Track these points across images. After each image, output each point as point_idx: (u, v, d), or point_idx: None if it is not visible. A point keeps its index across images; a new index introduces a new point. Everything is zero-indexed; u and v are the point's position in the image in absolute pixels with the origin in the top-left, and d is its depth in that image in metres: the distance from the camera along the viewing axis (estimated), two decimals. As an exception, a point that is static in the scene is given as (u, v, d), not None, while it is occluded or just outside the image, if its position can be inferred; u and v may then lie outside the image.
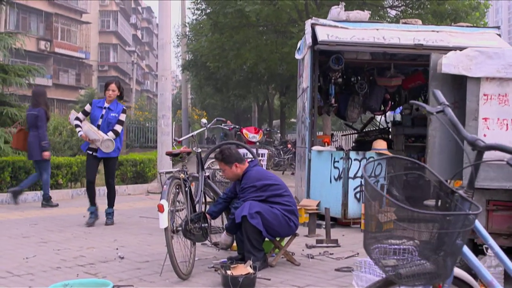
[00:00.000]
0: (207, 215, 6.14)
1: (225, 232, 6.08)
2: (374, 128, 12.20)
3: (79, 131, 8.50)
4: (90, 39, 50.75)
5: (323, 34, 8.75)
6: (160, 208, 5.20)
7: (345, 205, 8.76)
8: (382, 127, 12.02)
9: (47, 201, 10.75)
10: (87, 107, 8.69)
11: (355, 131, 12.62)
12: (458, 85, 6.71)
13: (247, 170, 6.11)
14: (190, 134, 6.90)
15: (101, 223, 8.86)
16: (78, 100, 40.76)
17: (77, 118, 8.54)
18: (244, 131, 8.93)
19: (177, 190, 5.71)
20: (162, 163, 13.35)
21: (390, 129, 11.77)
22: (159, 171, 5.89)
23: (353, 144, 11.91)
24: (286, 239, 6.30)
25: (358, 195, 8.81)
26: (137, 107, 42.66)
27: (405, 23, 9.82)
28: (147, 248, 6.98)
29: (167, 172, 5.78)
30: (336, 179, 8.84)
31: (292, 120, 39.86)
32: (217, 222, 7.27)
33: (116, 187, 13.05)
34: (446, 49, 8.75)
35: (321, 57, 9.53)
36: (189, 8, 28.11)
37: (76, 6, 47.56)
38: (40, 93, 11.14)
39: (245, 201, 5.87)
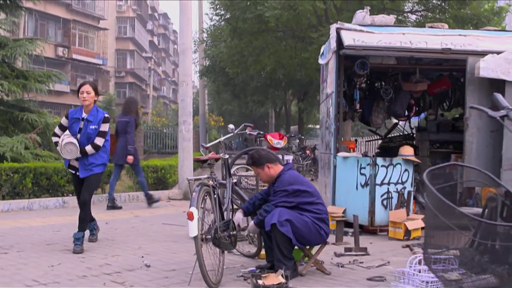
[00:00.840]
0: (240, 210, 6.08)
1: (253, 222, 5.96)
2: (398, 134, 12.03)
3: (58, 148, 7.25)
4: (107, 45, 50.92)
5: (349, 39, 8.61)
6: (190, 216, 5.08)
7: (371, 212, 8.59)
8: (406, 133, 11.85)
9: (150, 200, 11.86)
10: (64, 121, 7.37)
11: (379, 137, 12.45)
12: (496, 89, 6.55)
13: (281, 173, 5.98)
14: (218, 140, 6.79)
15: (124, 231, 8.78)
16: (96, 106, 40.71)
17: (55, 134, 7.35)
18: (269, 137, 8.79)
19: (205, 197, 5.58)
20: (183, 169, 13.26)
21: (415, 135, 11.60)
22: (187, 178, 5.76)
23: (377, 150, 11.75)
24: (316, 247, 6.17)
25: (385, 202, 8.66)
26: (154, 113, 42.69)
27: (431, 27, 9.67)
28: (173, 256, 6.88)
29: (196, 179, 5.66)
30: (362, 186, 8.68)
31: (309, 126, 39.70)
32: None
33: (137, 193, 13.13)
34: (475, 54, 8.61)
35: (345, 62, 9.39)
36: (206, 14, 28.16)
37: (93, 12, 47.76)
38: (132, 101, 11.97)
39: (276, 206, 5.75)
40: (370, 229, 8.65)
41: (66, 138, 7.10)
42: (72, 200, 11.48)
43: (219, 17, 22.96)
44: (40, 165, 11.69)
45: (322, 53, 10.66)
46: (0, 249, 7.14)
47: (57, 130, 7.38)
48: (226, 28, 21.99)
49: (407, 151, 9.05)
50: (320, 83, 11.41)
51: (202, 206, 5.46)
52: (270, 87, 28.18)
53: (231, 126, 7.08)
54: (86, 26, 46.19)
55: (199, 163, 6.18)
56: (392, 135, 12.42)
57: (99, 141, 7.19)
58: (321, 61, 10.57)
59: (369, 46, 8.58)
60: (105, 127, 7.24)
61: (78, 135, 7.15)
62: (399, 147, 11.13)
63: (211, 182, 5.71)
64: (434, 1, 19.53)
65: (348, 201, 8.74)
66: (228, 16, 20.03)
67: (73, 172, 7.37)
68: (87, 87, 7.19)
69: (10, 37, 16.68)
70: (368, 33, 8.99)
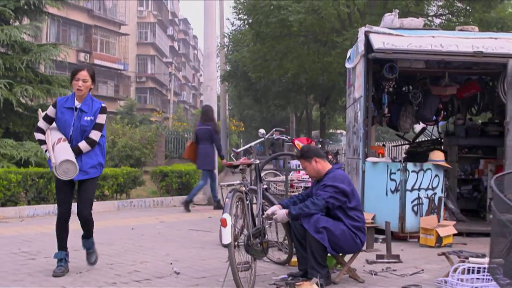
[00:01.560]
0: (279, 205, 5.95)
1: (285, 211, 5.78)
2: (426, 139, 11.85)
3: (44, 150, 6.07)
4: (128, 50, 51.12)
5: (378, 42, 8.48)
6: (223, 223, 4.98)
7: (402, 218, 8.44)
8: (434, 137, 11.67)
9: (218, 203, 12.24)
10: (50, 110, 6.02)
11: (407, 142, 12.28)
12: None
13: (330, 170, 5.87)
14: (249, 145, 6.70)
15: (151, 236, 8.70)
16: (118, 111, 40.92)
17: (39, 129, 6.07)
18: (296, 142, 8.70)
19: (237, 204, 5.48)
20: (207, 174, 13.16)
21: (443, 140, 11.41)
22: (220, 184, 5.67)
23: (404, 155, 11.58)
24: (348, 254, 6.05)
25: (415, 208, 8.51)
26: (176, 117, 42.74)
27: (461, 30, 9.53)
28: (202, 263, 6.78)
29: (228, 185, 5.56)
30: (392, 192, 8.53)
31: (331, 131, 39.50)
32: (272, 236, 7.05)
33: (162, 198, 13.09)
34: (507, 57, 8.46)
35: (373, 65, 9.26)
36: (227, 19, 28.12)
37: (115, 18, 47.97)
38: (210, 110, 12.60)
39: (326, 201, 5.60)
40: (400, 236, 8.49)
41: (61, 151, 5.75)
42: (97, 205, 11.42)
43: (242, 21, 22.88)
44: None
45: (349, 57, 10.53)
46: (27, 255, 7.10)
47: (41, 123, 6.04)
48: (248, 32, 21.89)
49: (437, 156, 8.90)
50: (347, 88, 11.29)
51: (235, 212, 5.37)
52: (292, 92, 28.04)
53: (261, 130, 7.00)
54: (107, 32, 46.39)
55: (230, 168, 6.03)
56: (420, 140, 12.23)
57: (95, 135, 5.98)
58: (348, 65, 10.44)
59: (399, 49, 8.45)
60: (102, 119, 6.03)
61: (71, 129, 5.92)
62: (426, 152, 11.02)
63: (243, 188, 5.61)
64: (458, 5, 19.28)
65: (377, 207, 8.59)
66: (250, 20, 19.89)
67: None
68: (83, 74, 5.91)
69: (33, 42, 16.72)
70: (397, 36, 8.86)
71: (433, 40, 8.75)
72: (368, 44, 8.79)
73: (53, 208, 10.91)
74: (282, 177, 8.69)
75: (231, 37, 27.89)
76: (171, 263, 6.67)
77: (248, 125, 42.87)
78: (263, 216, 5.90)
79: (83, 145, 5.95)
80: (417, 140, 12.12)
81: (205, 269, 6.43)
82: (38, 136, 6.04)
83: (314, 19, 17.35)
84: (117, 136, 19.48)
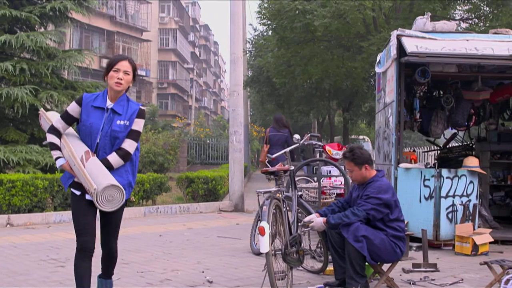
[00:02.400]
0: (317, 214, 5.80)
1: (323, 219, 5.63)
2: (457, 145, 11.62)
3: (56, 157, 4.58)
4: (150, 56, 51.24)
5: (411, 46, 8.30)
6: (261, 231, 4.84)
7: (436, 226, 8.24)
8: (466, 143, 11.43)
9: None
10: (73, 108, 4.66)
11: (438, 148, 12.05)
12: None
13: (375, 178, 5.70)
14: (283, 151, 6.55)
15: (179, 244, 8.59)
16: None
17: (54, 130, 4.62)
18: (327, 147, 8.51)
19: (274, 211, 5.34)
20: (234, 181, 13.04)
21: (474, 146, 11.18)
22: (257, 191, 5.50)
23: (435, 161, 11.35)
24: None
25: (450, 216, 8.31)
26: (198, 123, 42.70)
27: (495, 33, 9.32)
28: (234, 271, 6.64)
29: (265, 192, 5.42)
30: (426, 198, 8.34)
31: (352, 136, 39.24)
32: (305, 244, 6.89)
33: (188, 205, 12.96)
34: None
35: (405, 70, 9.07)
36: (250, 24, 28.05)
37: (137, 24, 48.11)
38: (283, 117, 12.98)
39: (367, 212, 5.44)
40: (435, 244, 8.29)
41: (98, 171, 4.41)
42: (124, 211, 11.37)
43: (266, 26, 22.79)
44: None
45: (379, 61, 10.35)
46: (56, 262, 7.02)
47: (58, 122, 4.63)
48: (272, 37, 21.80)
49: (472, 162, 8.69)
50: (376, 92, 11.11)
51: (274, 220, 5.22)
52: (315, 97, 27.89)
53: (297, 136, 6.86)
54: (129, 38, 46.51)
55: (266, 175, 5.86)
56: (451, 145, 11.99)
57: (130, 145, 4.61)
58: (378, 69, 10.26)
59: (433, 53, 8.26)
60: (139, 125, 4.68)
61: (99, 135, 4.57)
62: (458, 158, 10.80)
63: (279, 195, 5.46)
64: (485, 8, 19.04)
65: (410, 214, 8.39)
66: (275, 25, 19.79)
67: (78, 193, 4.57)
68: (125, 65, 4.63)
69: (58, 48, 16.75)
70: (430, 39, 8.68)
71: (467, 44, 8.55)
72: (400, 48, 8.62)
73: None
74: (313, 184, 8.50)
75: (253, 42, 27.83)
76: (203, 272, 6.54)
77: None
78: (300, 224, 5.76)
79: (114, 158, 4.55)
80: (447, 146, 11.88)
81: (238, 277, 6.29)
82: (51, 138, 4.60)
83: (340, 24, 17.22)
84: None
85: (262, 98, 31.56)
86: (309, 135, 7.20)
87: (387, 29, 16.46)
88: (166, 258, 7.40)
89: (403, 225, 5.74)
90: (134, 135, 4.65)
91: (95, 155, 4.55)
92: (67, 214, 10.72)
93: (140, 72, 47.44)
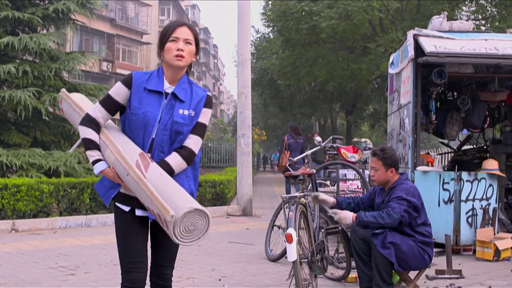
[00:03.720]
0: (334, 199, 5.50)
1: (353, 215, 5.28)
2: (472, 147, 11.38)
3: (95, 160, 3.36)
4: (150, 59, 51.01)
5: (430, 45, 8.07)
6: (289, 239, 4.59)
7: (456, 230, 8.01)
8: (480, 145, 11.19)
9: None
10: (118, 92, 3.45)
11: (452, 150, 11.81)
12: None
13: (399, 181, 5.44)
14: (305, 154, 6.31)
15: (191, 249, 8.32)
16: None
17: (90, 121, 3.42)
18: (342, 150, 8.27)
19: (300, 217, 5.10)
20: (242, 184, 12.79)
21: (489, 148, 10.94)
22: (282, 196, 5.25)
23: (449, 164, 11.11)
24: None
25: (470, 220, 8.08)
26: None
27: (513, 32, 9.10)
28: (252, 279, 6.39)
29: (290, 197, 5.17)
30: (446, 202, 8.11)
31: (355, 139, 39.06)
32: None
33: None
34: None
35: (421, 70, 8.84)
36: (252, 27, 27.84)
37: (137, 27, 47.89)
38: (298, 126, 15.45)
39: (401, 214, 5.19)
40: (454, 249, 8.03)
41: (166, 185, 3.20)
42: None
43: (270, 28, 22.61)
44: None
45: (392, 62, 10.12)
46: (66, 270, 6.76)
47: (96, 111, 3.43)
48: (277, 39, 21.62)
49: (492, 165, 8.47)
50: (387, 94, 10.87)
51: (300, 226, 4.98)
52: (318, 100, 27.71)
53: (318, 138, 6.62)
54: (129, 41, 46.30)
55: (289, 179, 5.60)
56: (466, 147, 11.77)
57: (196, 144, 3.46)
58: (391, 70, 10.02)
59: (452, 53, 8.03)
60: (206, 117, 3.53)
61: (155, 129, 3.37)
62: (472, 160, 10.57)
63: (304, 200, 5.22)
64: (492, 9, 18.86)
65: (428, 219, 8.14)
66: (280, 27, 19.59)
67: (125, 209, 3.42)
68: (185, 32, 3.46)
69: (61, 50, 16.51)
70: (448, 39, 8.46)
71: (486, 43, 8.34)
72: (417, 48, 8.40)
73: (85, 219, 10.62)
74: (330, 188, 8.26)
75: (256, 44, 27.67)
76: (220, 279, 6.30)
77: (269, 134, 42.56)
78: (311, 196, 5.39)
79: (176, 161, 3.38)
80: (461, 148, 11.65)
81: (256, 285, 6.06)
82: (87, 132, 3.38)
83: (347, 25, 17.03)
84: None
85: (264, 100, 31.44)
86: (332, 137, 6.97)
87: (394, 30, 16.30)
88: (180, 265, 7.13)
89: (430, 230, 5.50)
90: (200, 129, 3.48)
91: (150, 156, 3.39)
92: (73, 220, 10.50)
93: (140, 75, 47.18)
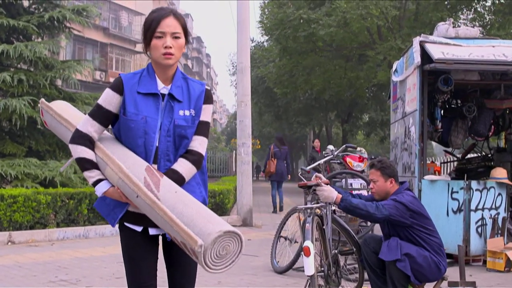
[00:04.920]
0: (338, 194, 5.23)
1: (337, 196, 5.04)
2: (476, 155, 11.23)
3: (95, 181, 2.98)
4: (144, 68, 50.86)
5: (437, 52, 7.92)
6: (306, 252, 4.40)
7: (466, 241, 7.83)
8: (484, 153, 11.03)
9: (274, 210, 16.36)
10: (109, 100, 3.03)
11: (457, 159, 11.64)
12: None
13: (399, 190, 5.27)
14: (317, 163, 6.13)
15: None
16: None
17: (80, 138, 3.02)
18: (348, 159, 8.12)
19: (317, 229, 4.91)
20: (242, 194, 12.59)
21: (493, 156, 10.78)
22: (298, 207, 5.05)
23: (453, 172, 10.94)
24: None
25: (480, 230, 7.91)
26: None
27: (520, 39, 8.96)
28: (261, 292, 6.20)
29: (306, 208, 4.97)
30: (454, 212, 7.94)
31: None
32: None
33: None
34: None
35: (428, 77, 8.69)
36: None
37: (130, 36, 47.73)
38: (282, 137, 17.71)
39: (391, 214, 5.01)
40: (464, 260, 7.85)
41: (194, 213, 2.77)
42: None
43: (268, 36, 22.50)
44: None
45: (395, 69, 9.97)
46: (67, 283, 6.54)
47: (87, 125, 3.04)
48: (274, 47, 21.51)
49: (500, 173, 8.31)
50: (391, 102, 10.71)
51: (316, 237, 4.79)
52: (314, 108, 27.61)
53: (330, 147, 6.45)
54: (123, 50, 46.12)
55: (304, 189, 5.38)
56: (470, 156, 11.61)
57: (202, 145, 3.13)
58: (395, 78, 9.87)
59: (461, 59, 7.89)
60: (209, 114, 3.17)
61: (157, 137, 3.02)
62: (477, 169, 10.42)
63: (319, 211, 5.03)
64: (491, 17, 18.80)
65: (437, 229, 7.97)
66: (277, 35, 19.46)
67: (140, 229, 3.08)
68: (172, 24, 3.01)
69: (57, 58, 16.30)
70: (455, 46, 8.32)
71: (494, 50, 8.20)
72: (423, 55, 8.25)
73: (83, 230, 10.39)
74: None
75: (252, 53, 27.56)
76: (227, 293, 6.10)
77: (263, 143, 42.41)
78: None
79: (185, 168, 3.05)
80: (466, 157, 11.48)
81: (266, 299, 5.86)
82: (81, 151, 2.99)
83: (345, 33, 16.92)
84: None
85: (260, 109, 31.28)
86: (345, 146, 6.79)
87: (393, 38, 16.18)
88: (184, 278, 6.94)
89: (439, 237, 5.33)
90: (204, 128, 3.13)
91: (157, 169, 3.02)
92: (71, 231, 10.27)
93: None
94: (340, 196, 5.03)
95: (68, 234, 10.21)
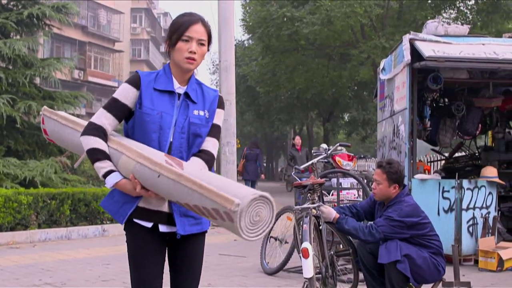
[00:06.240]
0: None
1: (336, 215, 5.06)
2: (464, 154, 11.17)
3: (107, 172, 2.89)
4: (123, 67, 50.43)
5: (428, 50, 7.83)
6: (305, 254, 4.26)
7: (457, 240, 7.74)
8: (472, 152, 10.97)
9: None
10: (126, 93, 3.02)
11: (444, 157, 11.57)
12: None
13: (399, 198, 5.12)
14: (310, 162, 5.98)
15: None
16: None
17: (94, 130, 2.95)
18: (337, 158, 7.98)
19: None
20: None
21: (481, 155, 10.73)
22: (294, 208, 4.92)
23: (441, 171, 10.86)
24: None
25: (471, 229, 7.83)
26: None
27: (510, 37, 8.90)
28: (253, 294, 6.05)
29: (302, 209, 4.84)
30: (446, 211, 7.84)
31: (330, 147, 38.99)
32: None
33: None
34: None
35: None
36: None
37: (109, 34, 47.34)
38: (256, 140, 19.59)
39: (386, 236, 4.91)
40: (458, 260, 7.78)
41: (223, 182, 2.76)
42: (112, 228, 10.74)
43: (250, 34, 22.35)
44: (78, 191, 10.89)
45: (383, 68, 9.86)
46: (52, 287, 6.35)
47: (101, 117, 2.99)
48: (256, 46, 21.36)
49: (491, 172, 8.25)
50: (378, 100, 10.60)
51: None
52: (295, 107, 27.54)
53: (324, 145, 6.32)
54: (101, 49, 45.72)
55: (298, 189, 5.26)
56: (458, 155, 11.56)
57: (215, 147, 3.15)
58: (382, 76, 9.75)
59: (452, 57, 7.80)
60: (221, 119, 3.22)
61: (171, 132, 3.01)
62: (465, 168, 10.36)
63: (314, 211, 4.89)
64: (475, 16, 18.82)
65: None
66: (260, 33, 19.30)
67: (149, 226, 2.99)
68: (200, 31, 3.04)
69: (36, 56, 16.00)
70: (445, 43, 8.22)
71: (484, 48, 8.13)
72: (412, 53, 8.14)
73: (65, 232, 10.18)
74: (328, 197, 7.95)
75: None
76: (219, 296, 5.95)
77: (242, 142, 42.28)
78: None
79: (198, 163, 3.04)
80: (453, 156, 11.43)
81: (259, 302, 5.71)
82: (94, 142, 2.92)
83: (329, 32, 16.83)
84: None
85: (241, 108, 31.14)
86: (338, 144, 6.66)
87: (377, 37, 16.13)
88: (172, 280, 6.77)
89: (438, 239, 5.23)
90: (216, 131, 3.17)
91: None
92: (53, 232, 10.05)
93: (112, 83, 46.68)
94: (337, 217, 5.03)
95: (50, 236, 9.98)
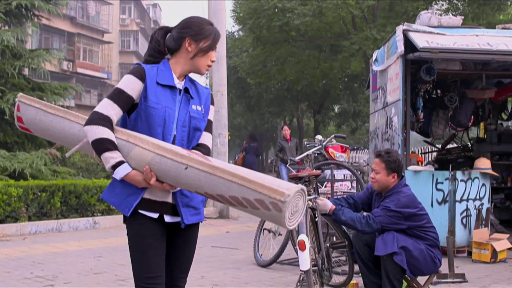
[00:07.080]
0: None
1: (331, 207, 5.05)
2: (457, 146, 11.17)
3: (117, 163, 2.88)
4: (112, 59, 50.15)
5: (422, 41, 7.78)
6: (302, 246, 4.22)
7: (451, 232, 7.73)
8: (464, 144, 10.98)
9: None
10: (131, 85, 2.99)
11: (437, 149, 11.57)
12: None
13: (397, 189, 5.09)
14: (306, 153, 5.92)
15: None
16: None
17: (101, 120, 2.89)
18: (330, 149, 7.92)
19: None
20: (218, 186, 12.36)
21: (473, 147, 10.74)
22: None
23: (433, 163, 10.87)
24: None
25: (464, 221, 7.82)
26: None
27: (503, 28, 8.88)
28: (246, 287, 6.00)
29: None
30: (439, 203, 7.83)
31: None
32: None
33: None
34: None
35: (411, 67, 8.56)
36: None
37: (98, 26, 47.05)
38: (253, 133, 19.41)
39: (383, 227, 4.88)
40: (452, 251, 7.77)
41: (256, 175, 2.79)
42: (103, 220, 10.66)
43: (241, 26, 22.24)
44: (69, 183, 10.78)
45: (376, 59, 9.81)
46: (43, 280, 6.27)
47: (108, 107, 2.95)
48: (247, 37, 21.26)
49: (484, 163, 8.23)
50: (370, 92, 10.57)
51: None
52: (286, 99, 27.48)
53: (319, 137, 6.28)
54: (90, 40, 45.43)
55: (294, 181, 5.21)
56: (450, 146, 11.57)
57: (210, 141, 3.25)
58: (375, 67, 9.71)
59: (446, 48, 7.76)
60: (212, 114, 3.31)
61: (174, 127, 3.06)
62: (457, 159, 10.36)
63: (310, 203, 4.84)
64: (465, 7, 18.82)
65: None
66: (251, 24, 19.21)
67: (155, 216, 3.01)
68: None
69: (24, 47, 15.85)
70: (439, 34, 8.18)
71: (478, 39, 8.09)
72: (406, 44, 8.10)
73: (56, 224, 10.09)
74: (322, 189, 7.90)
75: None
76: (212, 288, 5.90)
77: (232, 134, 42.20)
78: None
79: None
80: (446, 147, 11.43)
81: (253, 295, 5.67)
82: (103, 132, 2.87)
83: (321, 23, 16.77)
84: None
85: (231, 100, 31.04)
86: (334, 135, 6.61)
87: (368, 28, 16.09)
88: (165, 273, 6.71)
89: (435, 231, 5.20)
90: (211, 126, 3.28)
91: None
92: (43, 225, 9.95)
93: (101, 74, 46.42)
94: (333, 208, 5.00)
95: (40, 228, 9.89)
